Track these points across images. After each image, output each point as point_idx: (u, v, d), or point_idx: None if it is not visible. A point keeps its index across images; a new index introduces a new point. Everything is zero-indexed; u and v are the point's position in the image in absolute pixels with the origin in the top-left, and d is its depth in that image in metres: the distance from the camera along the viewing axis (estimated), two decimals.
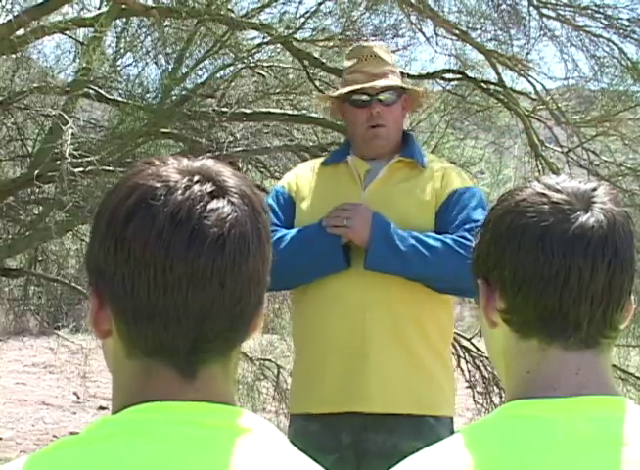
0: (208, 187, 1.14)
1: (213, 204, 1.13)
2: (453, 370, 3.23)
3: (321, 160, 3.32)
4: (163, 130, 5.95)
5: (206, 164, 1.17)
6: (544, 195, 1.32)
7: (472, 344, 6.54)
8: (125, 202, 1.14)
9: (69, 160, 4.83)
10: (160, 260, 1.12)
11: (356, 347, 2.98)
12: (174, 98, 5.88)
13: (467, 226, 2.99)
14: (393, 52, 6.00)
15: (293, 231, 3.06)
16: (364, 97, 3.11)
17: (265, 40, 5.79)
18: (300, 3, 5.91)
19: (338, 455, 2.99)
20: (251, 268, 1.14)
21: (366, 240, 2.95)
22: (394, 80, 3.15)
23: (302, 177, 3.19)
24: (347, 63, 3.21)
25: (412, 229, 3.01)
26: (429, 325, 3.05)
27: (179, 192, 1.13)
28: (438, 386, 3.06)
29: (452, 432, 3.08)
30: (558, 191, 1.32)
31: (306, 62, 5.88)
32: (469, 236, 2.93)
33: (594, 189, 1.32)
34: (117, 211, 1.14)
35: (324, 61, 5.94)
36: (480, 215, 2.99)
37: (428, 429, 2.98)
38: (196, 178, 1.14)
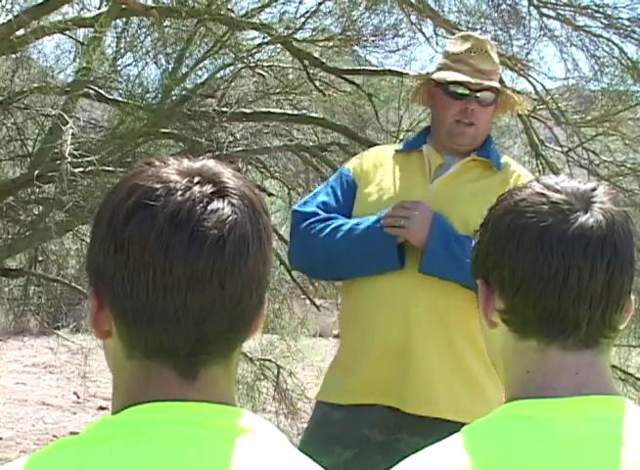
0: (208, 188, 1.14)
1: (213, 205, 1.13)
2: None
3: (395, 146, 3.22)
4: (163, 130, 5.95)
5: (207, 165, 1.17)
6: (543, 195, 1.31)
7: None
8: (125, 203, 1.14)
9: (69, 160, 4.83)
10: (160, 262, 1.11)
11: (400, 343, 2.90)
12: (174, 98, 5.88)
13: None
14: (393, 52, 6.02)
15: (351, 222, 2.97)
16: (463, 90, 3.00)
17: (265, 40, 5.80)
18: (300, 3, 5.91)
19: (357, 451, 2.90)
20: (251, 269, 1.14)
21: (423, 241, 2.88)
22: (497, 82, 3.05)
23: (371, 162, 3.09)
24: (453, 48, 3.07)
25: (473, 229, 2.92)
26: (477, 333, 2.95)
27: (179, 193, 1.13)
28: (483, 394, 2.95)
29: None
30: (557, 191, 1.31)
31: (306, 62, 5.88)
32: None
33: (593, 189, 1.32)
34: (117, 212, 1.14)
35: (324, 61, 5.94)
36: None
37: None
38: (196, 179, 1.14)
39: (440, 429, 2.87)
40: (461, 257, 2.83)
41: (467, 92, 3.00)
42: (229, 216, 1.13)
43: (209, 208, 1.13)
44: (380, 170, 3.07)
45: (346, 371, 2.99)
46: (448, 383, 2.92)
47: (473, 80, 3.00)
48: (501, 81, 5.90)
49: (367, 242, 2.93)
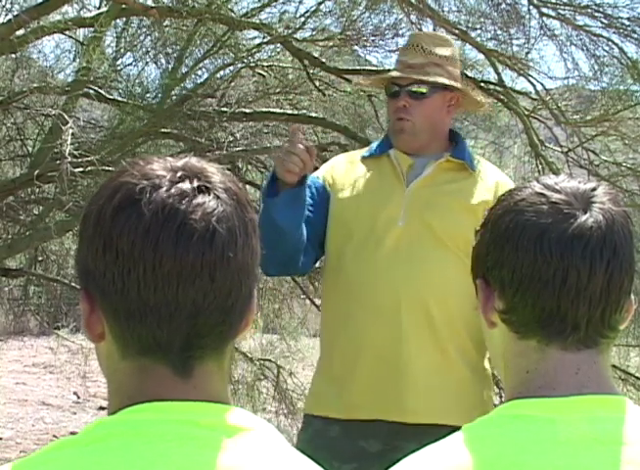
0: (194, 183, 1.14)
1: (199, 199, 1.13)
2: (492, 384, 3.08)
3: (361, 152, 3.17)
4: (163, 130, 5.95)
5: (191, 162, 1.18)
6: (543, 195, 1.31)
7: None
8: (111, 201, 1.15)
9: (70, 159, 4.83)
10: (149, 257, 1.12)
11: (393, 353, 2.86)
12: (174, 98, 5.88)
13: None
14: (392, 51, 6.00)
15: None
16: (394, 88, 3.00)
17: (265, 40, 5.79)
18: (300, 3, 5.93)
19: (356, 465, 2.86)
20: (240, 261, 1.15)
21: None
22: (433, 73, 2.99)
23: (340, 169, 3.06)
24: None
25: (456, 233, 2.90)
26: (463, 334, 2.92)
27: (164, 189, 1.13)
28: (476, 397, 2.94)
29: None
30: (557, 191, 1.31)
31: (306, 62, 5.88)
32: None
33: (593, 189, 1.32)
34: (104, 212, 1.15)
35: (324, 61, 5.94)
36: None
37: None
38: (181, 175, 1.15)
39: (436, 433, 2.86)
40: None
41: (397, 89, 2.99)
42: (215, 209, 1.14)
43: (195, 201, 1.13)
44: (352, 177, 3.03)
45: (340, 383, 2.93)
46: (442, 387, 2.89)
47: (395, 75, 2.99)
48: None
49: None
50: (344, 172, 3.05)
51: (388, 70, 3.18)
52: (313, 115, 6.22)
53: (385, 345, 2.87)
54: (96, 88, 5.84)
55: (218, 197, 1.14)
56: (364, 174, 3.04)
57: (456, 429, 3.04)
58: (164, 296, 1.12)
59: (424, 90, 2.99)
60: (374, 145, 3.18)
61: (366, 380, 2.88)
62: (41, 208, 6.20)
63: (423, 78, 2.98)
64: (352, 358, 2.91)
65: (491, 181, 3.01)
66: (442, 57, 3.03)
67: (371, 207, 2.95)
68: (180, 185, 1.14)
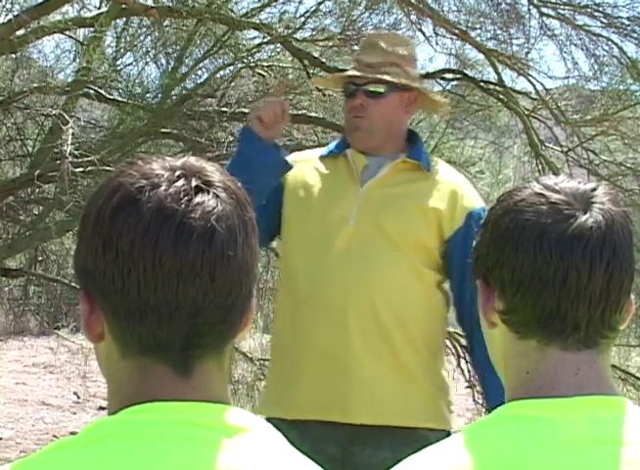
0: (193, 182, 1.14)
1: (198, 198, 1.13)
2: (448, 382, 3.05)
3: (319, 151, 3.15)
4: (163, 130, 5.95)
5: (189, 161, 1.18)
6: (543, 195, 1.31)
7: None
8: (110, 201, 1.14)
9: (70, 159, 4.83)
10: (149, 256, 1.12)
11: (338, 352, 2.85)
12: (174, 98, 5.88)
13: None
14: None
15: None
16: (352, 87, 2.98)
17: (265, 40, 5.80)
18: (300, 3, 5.91)
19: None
20: (239, 260, 1.15)
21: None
22: (392, 73, 2.98)
23: (297, 167, 3.04)
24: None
25: (408, 235, 2.90)
26: (412, 327, 2.91)
27: (163, 187, 1.13)
28: (429, 396, 2.93)
29: None
30: (556, 191, 1.31)
31: (306, 61, 5.87)
32: None
33: (593, 189, 1.32)
34: (103, 211, 1.15)
35: (324, 61, 5.94)
36: None
37: (420, 441, 2.80)
38: (179, 174, 1.15)
39: (390, 438, 2.83)
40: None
41: (354, 88, 2.98)
42: (215, 208, 1.13)
43: (195, 200, 1.13)
44: (307, 176, 3.03)
45: (289, 384, 2.92)
46: (389, 387, 2.88)
47: (352, 74, 2.99)
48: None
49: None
50: (300, 171, 3.04)
51: (346, 70, 3.16)
52: (313, 115, 6.22)
53: (332, 345, 2.86)
54: (96, 88, 5.84)
55: (217, 196, 1.14)
56: (319, 173, 3.03)
57: (414, 430, 2.94)
58: (164, 295, 1.12)
59: (381, 90, 2.98)
60: (332, 144, 3.18)
61: (313, 381, 2.87)
62: (41, 208, 6.20)
63: (380, 77, 2.97)
64: (300, 359, 2.89)
65: (447, 185, 2.99)
66: (400, 56, 3.02)
67: (323, 205, 2.95)
68: (179, 184, 1.14)
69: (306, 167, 3.06)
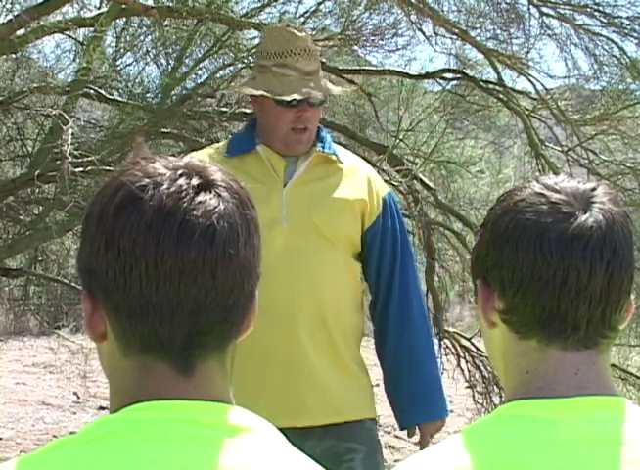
0: (195, 181, 1.15)
1: (200, 197, 1.14)
2: (367, 371, 3.11)
3: (218, 151, 3.06)
4: (163, 130, 5.95)
5: (192, 161, 1.18)
6: (543, 195, 1.31)
7: (472, 343, 6.53)
8: (113, 200, 1.15)
9: (70, 159, 4.83)
10: (151, 254, 1.12)
11: (287, 355, 2.86)
12: (174, 98, 5.88)
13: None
14: (392, 51, 6.01)
15: None
16: (295, 97, 2.92)
17: None
18: (300, 3, 5.92)
19: None
20: (241, 259, 1.15)
21: None
22: (324, 80, 3.01)
23: None
24: (274, 48, 2.96)
25: (340, 230, 2.93)
26: (348, 328, 2.96)
27: (165, 186, 1.14)
28: (365, 387, 3.01)
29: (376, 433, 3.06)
30: (556, 191, 1.31)
31: None
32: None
33: (593, 189, 1.32)
34: (106, 210, 1.15)
35: (324, 60, 5.94)
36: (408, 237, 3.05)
37: (365, 430, 2.93)
38: (182, 173, 1.15)
39: (335, 428, 2.89)
40: None
41: (299, 98, 2.93)
42: (217, 207, 1.14)
43: (197, 199, 1.13)
44: None
45: (246, 394, 2.90)
46: (338, 386, 2.92)
47: (304, 96, 2.91)
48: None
49: None
50: None
51: (277, 75, 2.98)
52: None
53: (276, 346, 2.86)
54: (96, 88, 5.84)
55: (220, 195, 1.15)
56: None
57: (359, 422, 2.95)
58: (166, 293, 1.12)
59: (322, 98, 2.99)
60: (234, 142, 3.09)
61: (273, 390, 2.87)
62: (41, 208, 6.20)
63: (328, 89, 3.00)
64: (247, 361, 2.84)
65: (360, 173, 3.03)
66: (319, 59, 3.05)
67: None
68: (181, 183, 1.14)
69: None
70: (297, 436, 2.82)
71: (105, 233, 1.14)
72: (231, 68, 6.06)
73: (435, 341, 4.55)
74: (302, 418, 2.88)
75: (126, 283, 1.12)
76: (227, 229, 1.14)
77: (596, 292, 1.28)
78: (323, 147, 3.01)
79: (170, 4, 5.49)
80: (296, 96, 2.91)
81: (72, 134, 5.02)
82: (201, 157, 3.08)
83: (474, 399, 6.54)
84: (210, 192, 1.15)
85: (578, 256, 1.28)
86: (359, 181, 3.00)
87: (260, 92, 2.97)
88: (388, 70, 6.11)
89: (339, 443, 2.88)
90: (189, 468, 1.10)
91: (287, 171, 2.97)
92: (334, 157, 3.01)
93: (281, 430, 2.85)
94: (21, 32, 5.23)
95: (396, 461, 6.63)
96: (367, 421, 2.97)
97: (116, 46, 6.31)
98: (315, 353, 2.89)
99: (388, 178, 5.36)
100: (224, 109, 5.85)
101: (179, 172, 1.15)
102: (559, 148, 6.30)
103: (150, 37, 6.25)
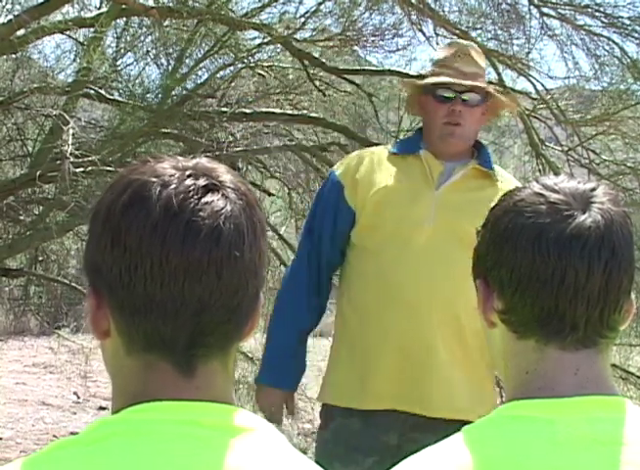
0: (203, 181, 1.15)
1: (208, 197, 1.14)
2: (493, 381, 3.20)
3: (387, 147, 3.24)
4: (164, 130, 5.95)
5: (201, 162, 1.19)
6: (542, 195, 1.31)
7: None
8: (120, 198, 1.16)
9: (71, 159, 4.83)
10: (156, 253, 1.12)
11: (419, 347, 2.93)
12: (175, 98, 5.88)
13: None
14: (393, 52, 6.01)
15: (276, 329, 3.15)
16: (448, 93, 3.07)
17: (265, 40, 5.80)
18: (300, 3, 5.92)
19: (377, 458, 2.93)
20: (247, 260, 1.15)
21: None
22: (482, 83, 3.11)
23: (367, 163, 3.11)
24: (439, 55, 3.18)
25: None
26: (482, 332, 3.00)
27: (173, 186, 1.14)
28: (491, 394, 3.04)
29: None
30: (555, 191, 1.31)
31: (306, 62, 5.88)
32: None
33: (593, 189, 1.32)
34: (113, 208, 1.16)
35: (324, 61, 5.94)
36: None
37: None
38: (190, 173, 1.16)
39: (451, 427, 2.92)
40: None
41: (452, 95, 3.06)
42: (223, 208, 1.14)
43: (204, 199, 1.14)
44: (379, 174, 3.08)
45: (363, 373, 2.98)
46: (464, 384, 2.96)
47: (455, 81, 3.06)
48: (491, 84, 5.92)
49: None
50: (370, 168, 3.10)
51: (436, 74, 3.18)
52: (313, 115, 6.22)
53: (410, 339, 2.93)
54: (96, 88, 5.84)
55: (227, 196, 1.15)
56: (392, 172, 3.09)
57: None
58: (170, 291, 1.13)
59: (477, 99, 3.09)
60: (403, 142, 3.29)
61: (390, 371, 2.94)
62: (41, 208, 6.20)
63: (477, 86, 3.08)
64: (377, 349, 2.96)
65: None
66: (482, 67, 3.17)
67: (399, 205, 3.02)
68: (189, 183, 1.15)
69: (376, 165, 3.11)
70: (413, 422, 2.91)
71: (111, 230, 1.15)
72: (231, 68, 6.06)
73: None
74: (420, 407, 2.93)
75: (131, 281, 1.13)
76: (233, 230, 1.14)
77: (594, 292, 1.28)
78: (481, 161, 3.11)
79: (171, 4, 5.49)
80: (441, 80, 3.06)
81: (73, 134, 5.02)
82: (367, 152, 3.21)
83: None
84: (218, 193, 1.15)
85: (576, 255, 1.28)
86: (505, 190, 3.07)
87: (413, 81, 3.27)
88: (389, 70, 6.11)
89: None
90: (190, 469, 1.10)
91: (442, 176, 3.06)
92: (491, 173, 3.09)
93: (395, 413, 2.86)
94: (21, 32, 5.24)
95: None
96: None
97: (117, 46, 6.32)
98: (443, 347, 2.94)
99: None
100: (224, 109, 5.85)
101: (187, 173, 1.16)
102: (559, 148, 6.30)
103: (150, 38, 6.25)
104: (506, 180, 3.12)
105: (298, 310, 3.10)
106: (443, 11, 5.97)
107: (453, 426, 2.95)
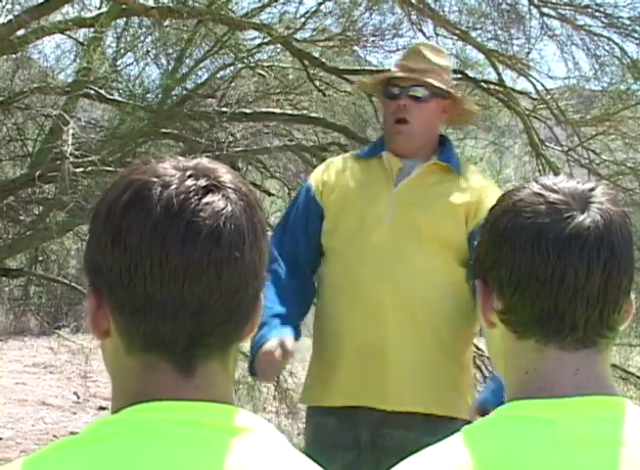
0: (203, 182, 1.16)
1: (208, 198, 1.15)
2: (472, 375, 3.22)
3: (354, 153, 3.31)
4: (164, 130, 5.95)
5: (202, 162, 1.19)
6: (541, 195, 1.31)
7: (472, 343, 6.52)
8: (121, 198, 1.16)
9: (71, 159, 4.83)
10: (156, 253, 1.13)
11: (376, 344, 2.97)
12: (175, 98, 5.88)
13: None
14: (393, 52, 6.01)
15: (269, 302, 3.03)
16: (395, 89, 3.09)
17: (265, 40, 5.80)
18: (300, 3, 5.92)
19: (356, 452, 2.99)
20: (247, 260, 1.15)
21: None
22: (432, 79, 3.09)
23: (333, 170, 3.17)
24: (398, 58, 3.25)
25: (439, 231, 3.02)
26: (442, 325, 3.02)
27: (174, 186, 1.15)
28: (455, 388, 3.05)
29: None
30: (555, 191, 1.31)
31: (306, 62, 5.88)
32: None
33: (592, 189, 1.32)
34: (114, 207, 1.16)
35: (324, 61, 5.94)
36: None
37: (444, 429, 2.89)
38: (191, 173, 1.16)
39: (420, 421, 2.96)
40: None
41: (398, 91, 3.09)
42: (224, 208, 1.15)
43: (204, 200, 1.14)
44: (343, 177, 3.14)
45: (328, 372, 3.05)
46: (420, 379, 2.99)
47: (398, 75, 3.08)
48: (491, 83, 5.92)
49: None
50: (336, 173, 3.17)
51: (389, 70, 3.27)
52: (313, 115, 6.22)
53: (369, 337, 2.97)
54: (96, 88, 5.85)
55: (227, 197, 1.15)
56: (355, 175, 3.15)
57: (440, 418, 3.09)
58: (170, 291, 1.13)
59: (423, 94, 3.09)
60: (370, 146, 3.31)
61: (352, 368, 2.99)
62: (41, 208, 6.21)
63: (426, 80, 3.07)
64: (341, 348, 3.01)
65: (475, 185, 3.11)
66: (441, 66, 3.15)
67: (361, 206, 3.07)
68: (190, 184, 1.15)
69: (342, 171, 3.17)
70: (375, 418, 2.95)
71: (112, 230, 1.15)
72: (231, 68, 6.06)
73: None
74: (377, 401, 2.97)
75: (131, 280, 1.13)
76: (233, 231, 1.14)
77: (593, 292, 1.28)
78: (442, 157, 3.12)
79: (171, 4, 5.49)
80: (381, 75, 3.12)
81: (73, 134, 5.02)
82: (339, 158, 3.25)
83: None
84: (218, 193, 1.15)
85: (576, 255, 1.28)
86: (469, 190, 3.08)
87: (363, 81, 3.35)
88: (389, 70, 6.10)
89: (422, 437, 2.86)
90: (190, 469, 1.10)
91: (401, 173, 3.09)
92: (450, 166, 3.10)
93: (357, 409, 2.92)
94: (21, 32, 5.24)
95: None
96: (447, 419, 2.99)
97: (117, 46, 6.32)
98: (400, 341, 2.97)
99: None
100: (224, 109, 5.85)
101: (188, 173, 1.16)
102: (559, 148, 6.30)
103: (150, 38, 6.25)
104: (471, 174, 3.14)
105: (275, 298, 3.07)
106: (443, 11, 5.97)
107: (426, 420, 3.00)
